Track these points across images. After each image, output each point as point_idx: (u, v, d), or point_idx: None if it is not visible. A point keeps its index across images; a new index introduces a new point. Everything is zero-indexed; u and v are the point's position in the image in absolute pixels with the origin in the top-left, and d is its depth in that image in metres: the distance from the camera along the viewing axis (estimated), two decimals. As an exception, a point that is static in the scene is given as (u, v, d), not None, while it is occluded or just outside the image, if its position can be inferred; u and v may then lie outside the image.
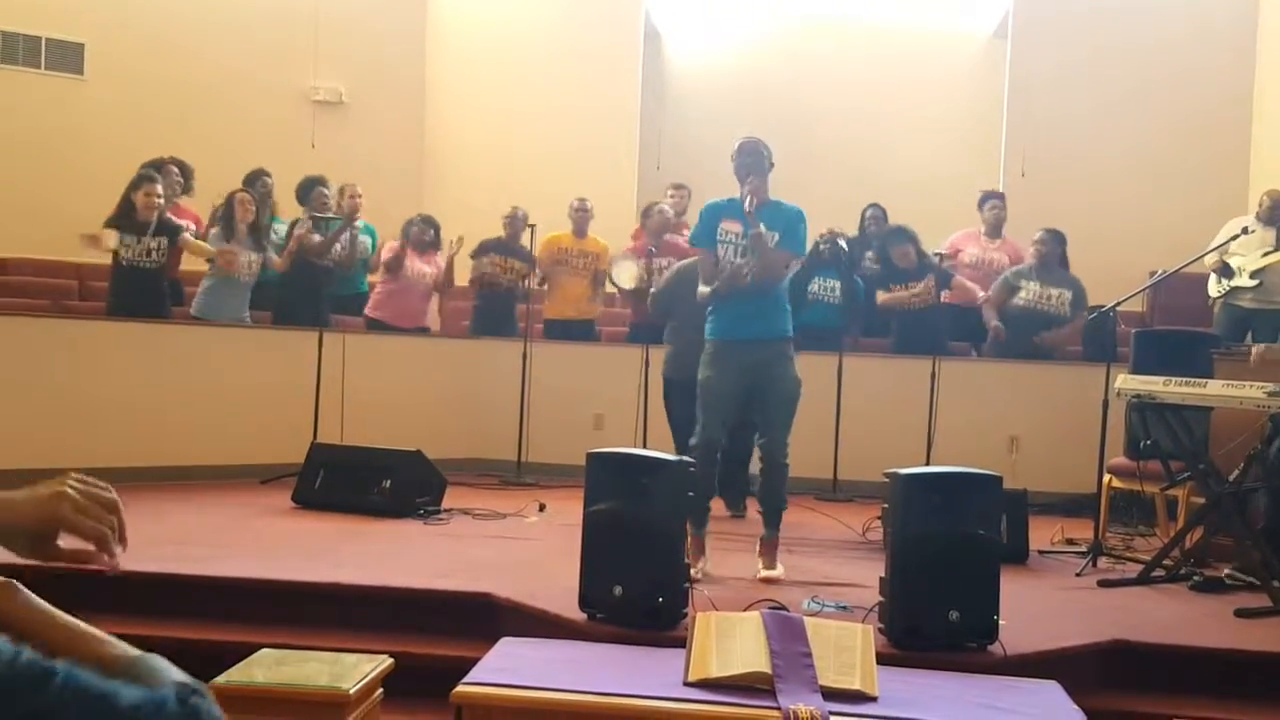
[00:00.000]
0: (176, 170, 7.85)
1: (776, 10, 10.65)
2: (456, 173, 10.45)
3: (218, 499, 6.37)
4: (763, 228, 4.82)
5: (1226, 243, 7.18)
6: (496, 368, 7.89)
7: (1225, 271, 7.67)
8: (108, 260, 7.37)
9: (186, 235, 7.35)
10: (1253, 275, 7.58)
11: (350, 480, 6.18)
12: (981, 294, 7.91)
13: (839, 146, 10.20)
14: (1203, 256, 7.12)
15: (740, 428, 6.14)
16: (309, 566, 4.66)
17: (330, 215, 7.88)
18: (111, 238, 7.05)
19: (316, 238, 7.69)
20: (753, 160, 4.96)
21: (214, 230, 7.48)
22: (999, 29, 10.26)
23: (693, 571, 4.71)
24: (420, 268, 8.10)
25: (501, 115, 10.51)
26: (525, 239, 8.10)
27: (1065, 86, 9.72)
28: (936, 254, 7.85)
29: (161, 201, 7.23)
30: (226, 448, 7.12)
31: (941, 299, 7.75)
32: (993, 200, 8.38)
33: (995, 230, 8.33)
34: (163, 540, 5.09)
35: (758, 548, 5.06)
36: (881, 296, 7.90)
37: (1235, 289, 7.67)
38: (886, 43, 10.45)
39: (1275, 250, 7.51)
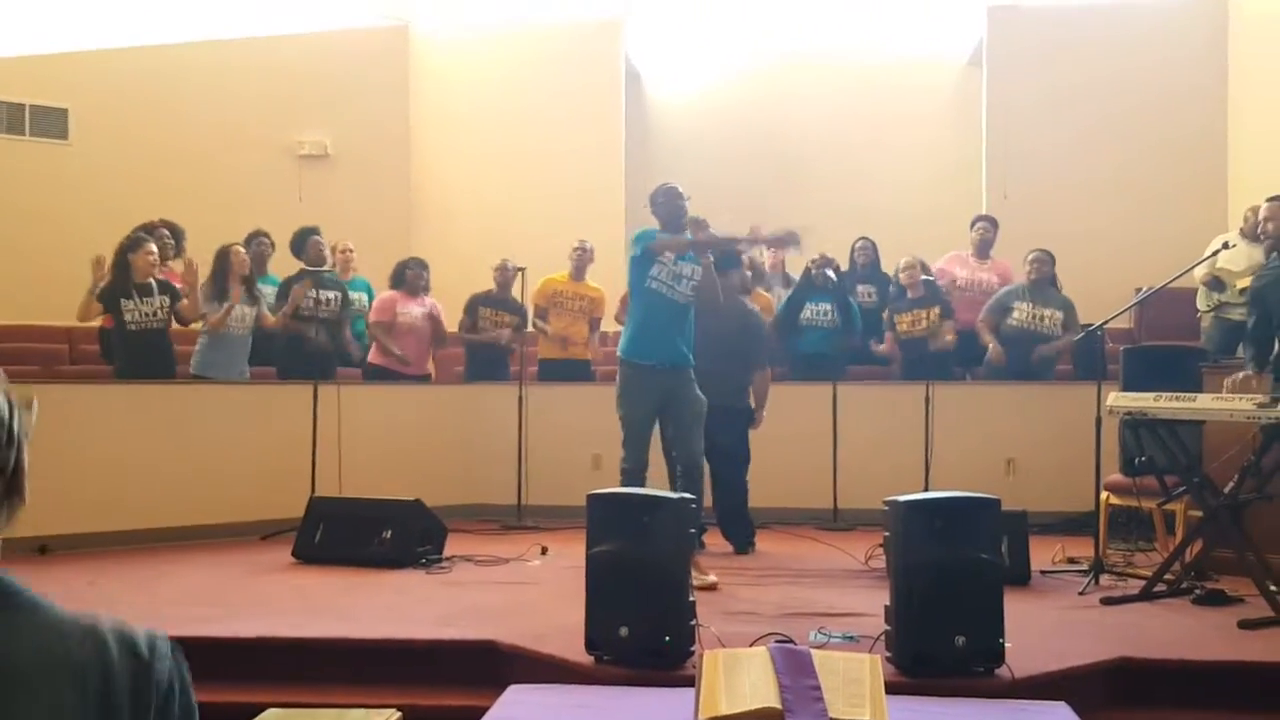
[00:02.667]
0: (167, 233, 7.86)
1: (754, 47, 10.76)
2: (444, 220, 10.52)
3: (217, 558, 6.34)
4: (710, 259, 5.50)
5: (1211, 256, 7.24)
6: (492, 412, 7.90)
7: (1215, 285, 7.72)
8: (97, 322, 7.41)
9: (185, 302, 7.36)
10: (1242, 293, 7.64)
11: (351, 532, 6.16)
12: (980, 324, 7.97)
13: (821, 179, 10.28)
14: (1190, 270, 7.18)
15: (728, 462, 6.21)
16: (312, 622, 4.65)
17: (326, 269, 7.91)
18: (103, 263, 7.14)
19: (312, 296, 7.72)
20: (681, 205, 5.54)
21: (204, 286, 7.48)
22: (974, 56, 10.38)
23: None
24: (417, 312, 8.10)
25: (487, 162, 10.59)
26: (516, 287, 8.10)
27: (1042, 109, 9.83)
28: (926, 280, 7.92)
29: (157, 261, 7.27)
30: (224, 506, 7.07)
31: (945, 340, 7.84)
32: (981, 223, 8.50)
33: (983, 251, 8.42)
34: (164, 602, 5.08)
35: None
36: (885, 344, 7.99)
37: (1225, 303, 7.72)
38: (863, 74, 10.55)
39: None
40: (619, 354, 5.64)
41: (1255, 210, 7.71)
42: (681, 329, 5.51)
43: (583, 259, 8.35)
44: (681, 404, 5.50)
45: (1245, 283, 7.52)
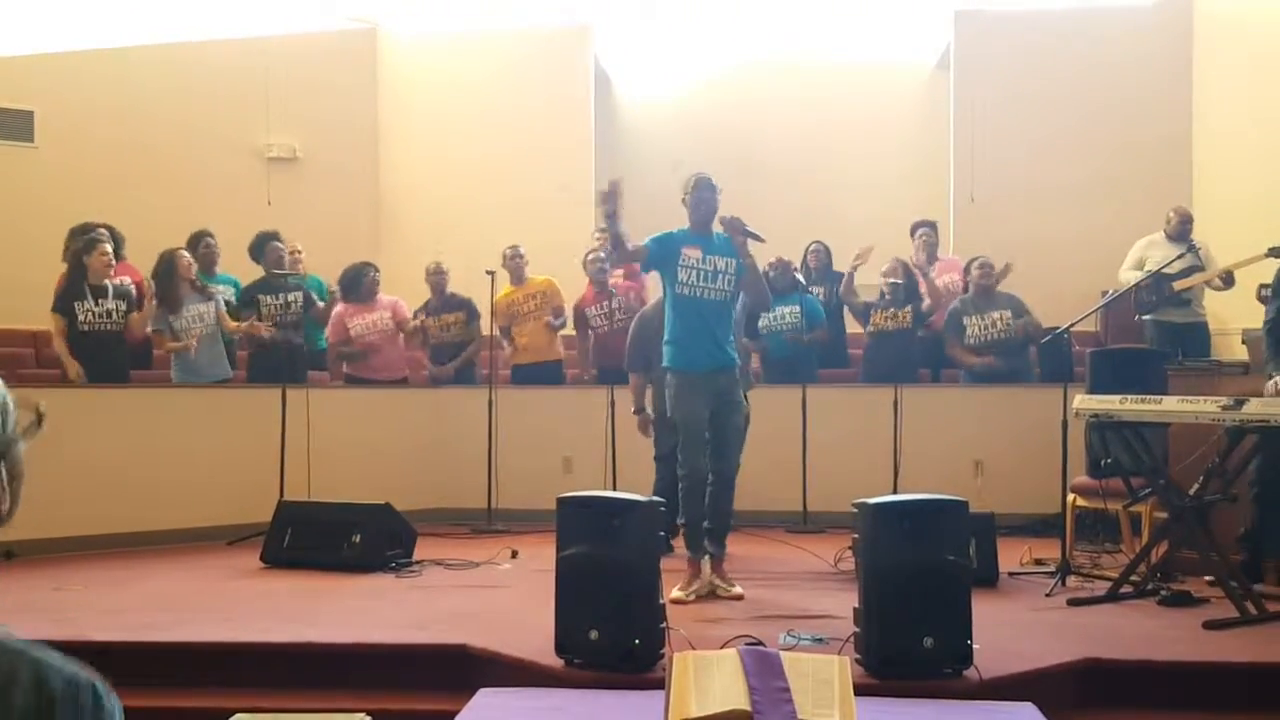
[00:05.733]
0: (107, 234, 7.75)
1: (724, 50, 10.79)
2: (412, 225, 10.49)
3: (185, 563, 6.30)
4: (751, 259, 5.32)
5: (1152, 274, 7.29)
6: (462, 416, 7.88)
7: (1157, 283, 7.73)
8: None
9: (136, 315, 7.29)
10: (1181, 292, 7.73)
11: (319, 537, 6.13)
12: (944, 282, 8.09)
13: (790, 182, 10.30)
14: (1141, 283, 7.33)
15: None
16: (281, 627, 4.63)
17: (286, 273, 7.86)
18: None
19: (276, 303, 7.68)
20: (710, 198, 5.33)
21: (154, 302, 7.36)
22: (941, 60, 10.44)
23: (684, 594, 5.04)
24: (370, 320, 8.05)
25: (456, 165, 10.56)
26: (482, 288, 8.04)
27: (1009, 114, 9.89)
28: (894, 283, 7.97)
29: (113, 262, 7.20)
30: (191, 511, 7.04)
31: (919, 333, 7.97)
32: (923, 229, 8.56)
33: (930, 257, 8.48)
34: (131, 607, 5.04)
35: (709, 570, 5.26)
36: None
37: (1162, 305, 7.81)
38: (832, 78, 10.58)
39: (1193, 270, 7.62)
40: (665, 365, 5.38)
41: (1177, 211, 7.93)
42: (722, 328, 5.28)
43: (517, 265, 8.32)
44: (728, 410, 5.27)
45: (1181, 287, 7.66)
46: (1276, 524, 5.32)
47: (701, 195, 5.31)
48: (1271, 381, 5.16)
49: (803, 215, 9.61)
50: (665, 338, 5.39)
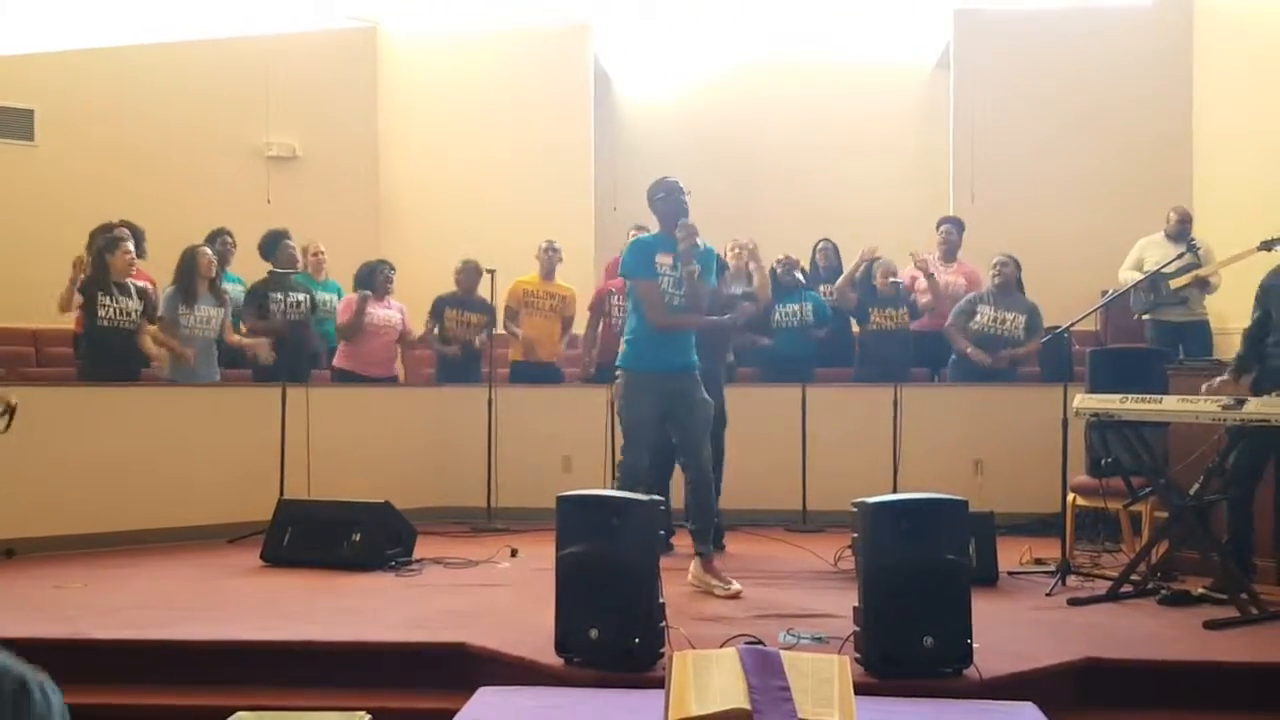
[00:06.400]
0: (128, 232, 7.78)
1: (724, 50, 10.79)
2: (413, 223, 10.49)
3: (185, 561, 6.30)
4: (695, 267, 5.27)
5: (1149, 274, 7.34)
6: (462, 415, 7.88)
7: (1155, 282, 7.76)
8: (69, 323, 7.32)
9: (150, 330, 7.28)
10: (1176, 291, 7.75)
11: (319, 535, 6.13)
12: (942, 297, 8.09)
13: (790, 182, 10.32)
14: (1140, 283, 7.35)
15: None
16: (281, 625, 4.63)
17: (294, 271, 7.86)
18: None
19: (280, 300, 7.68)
20: (682, 200, 5.34)
21: (170, 289, 7.40)
22: (941, 60, 10.44)
23: None
24: (383, 314, 8.08)
25: (456, 164, 10.57)
26: (484, 287, 8.08)
27: (1009, 113, 9.90)
28: (895, 282, 7.98)
29: (134, 260, 7.21)
30: (192, 509, 7.04)
31: (913, 325, 8.00)
32: (946, 225, 8.55)
33: (949, 254, 8.47)
34: (131, 605, 5.04)
35: (700, 569, 5.29)
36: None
37: (1160, 305, 7.84)
38: (832, 78, 10.59)
39: (1191, 270, 7.63)
40: (618, 364, 5.42)
41: (1176, 211, 7.97)
42: (685, 334, 5.36)
43: (551, 259, 8.34)
44: (687, 408, 5.29)
45: (1177, 285, 7.68)
46: (1249, 525, 5.32)
47: (676, 200, 5.34)
48: (1208, 383, 5.29)
49: (802, 215, 9.62)
50: (625, 336, 5.42)
